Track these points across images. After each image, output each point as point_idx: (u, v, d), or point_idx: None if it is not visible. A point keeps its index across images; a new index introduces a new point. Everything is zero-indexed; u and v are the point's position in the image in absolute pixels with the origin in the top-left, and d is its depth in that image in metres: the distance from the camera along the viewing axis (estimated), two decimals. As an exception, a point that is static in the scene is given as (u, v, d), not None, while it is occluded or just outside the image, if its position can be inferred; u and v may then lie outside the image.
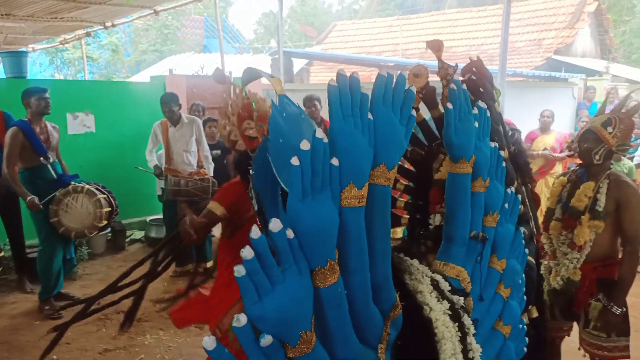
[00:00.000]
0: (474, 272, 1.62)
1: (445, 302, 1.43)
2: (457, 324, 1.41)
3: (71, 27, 10.18)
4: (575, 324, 2.96)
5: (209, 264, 5.51)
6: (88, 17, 9.13)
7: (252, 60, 17.38)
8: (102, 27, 10.01)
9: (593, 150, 2.70)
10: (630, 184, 2.74)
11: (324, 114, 6.46)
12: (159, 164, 5.48)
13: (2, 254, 3.82)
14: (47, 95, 4.51)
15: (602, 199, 2.68)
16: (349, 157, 1.16)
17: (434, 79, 2.23)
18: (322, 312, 1.13)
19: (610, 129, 2.67)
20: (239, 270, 0.99)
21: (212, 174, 5.50)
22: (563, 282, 2.79)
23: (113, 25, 10.04)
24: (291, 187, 1.08)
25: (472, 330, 1.47)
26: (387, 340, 1.30)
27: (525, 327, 1.85)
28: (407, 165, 2.44)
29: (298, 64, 14.73)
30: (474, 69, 2.29)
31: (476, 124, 1.64)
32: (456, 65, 2.26)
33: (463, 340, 1.40)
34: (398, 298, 1.34)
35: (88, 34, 11.12)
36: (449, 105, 1.57)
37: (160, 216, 5.88)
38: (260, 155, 1.31)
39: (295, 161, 1.06)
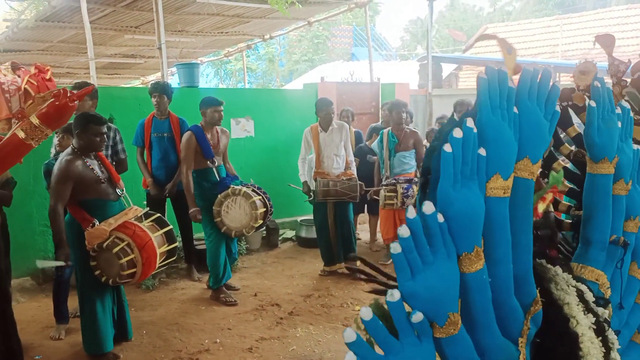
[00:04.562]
0: (614, 278, 1.56)
1: (590, 315, 1.40)
2: (600, 338, 1.38)
3: (234, 41, 11.12)
4: None
5: (358, 264, 5.63)
6: (249, 31, 9.90)
7: (400, 66, 17.42)
8: (261, 39, 10.78)
9: None
10: None
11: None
12: (308, 179, 5.73)
13: (177, 244, 4.29)
14: (221, 108, 4.91)
15: None
16: (496, 148, 1.20)
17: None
18: (467, 298, 1.17)
19: None
20: (395, 248, 1.06)
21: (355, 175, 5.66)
22: None
23: (271, 38, 10.76)
24: (443, 172, 1.14)
25: (616, 345, 1.41)
26: (527, 335, 1.31)
27: None
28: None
29: (446, 69, 14.46)
30: None
31: (619, 124, 1.58)
32: (629, 61, 2.09)
33: (607, 355, 1.36)
34: (539, 295, 1.35)
35: (249, 47, 12.05)
36: (592, 104, 1.54)
37: (311, 217, 6.14)
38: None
39: (447, 148, 1.12)
